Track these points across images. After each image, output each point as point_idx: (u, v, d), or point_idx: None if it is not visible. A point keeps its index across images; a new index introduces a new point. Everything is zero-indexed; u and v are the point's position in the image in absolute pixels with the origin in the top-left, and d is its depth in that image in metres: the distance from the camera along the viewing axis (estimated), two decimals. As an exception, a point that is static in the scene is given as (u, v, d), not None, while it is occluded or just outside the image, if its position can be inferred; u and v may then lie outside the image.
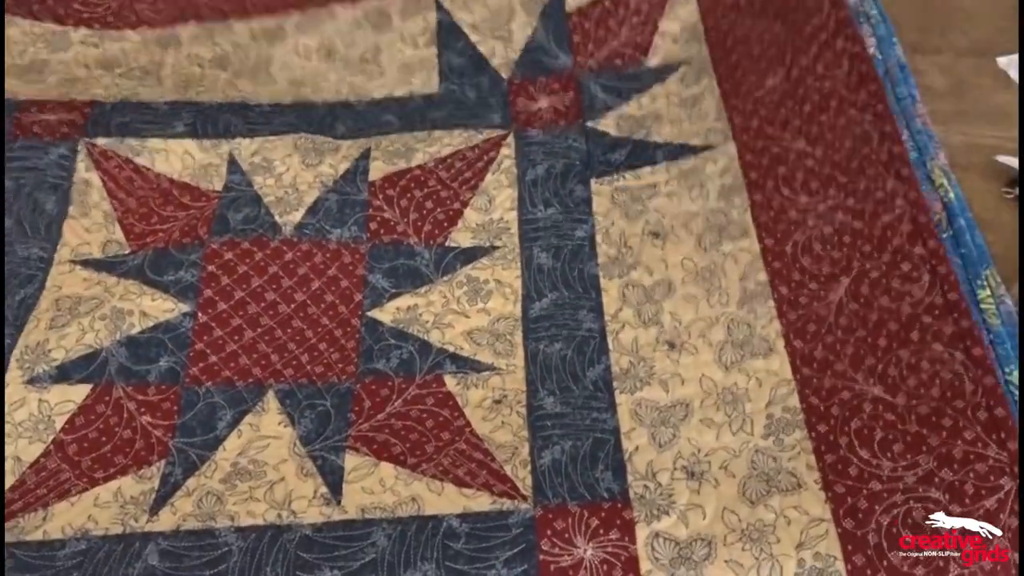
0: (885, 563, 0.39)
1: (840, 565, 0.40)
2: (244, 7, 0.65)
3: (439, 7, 0.64)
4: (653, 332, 0.49)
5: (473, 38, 0.63)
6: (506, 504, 0.42)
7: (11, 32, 0.62)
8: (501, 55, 0.62)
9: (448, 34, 0.63)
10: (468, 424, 0.46)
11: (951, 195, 0.57)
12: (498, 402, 0.47)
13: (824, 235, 0.49)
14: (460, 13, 0.64)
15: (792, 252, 0.49)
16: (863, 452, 0.42)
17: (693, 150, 0.55)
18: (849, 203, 0.49)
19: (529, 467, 0.44)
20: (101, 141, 0.56)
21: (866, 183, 0.49)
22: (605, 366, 0.47)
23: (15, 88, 0.60)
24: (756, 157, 0.53)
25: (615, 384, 0.47)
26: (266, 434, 0.46)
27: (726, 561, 0.40)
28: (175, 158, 0.56)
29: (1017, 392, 0.47)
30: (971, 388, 0.42)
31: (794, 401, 0.45)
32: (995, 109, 0.63)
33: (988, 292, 0.52)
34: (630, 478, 0.43)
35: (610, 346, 0.48)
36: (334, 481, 0.44)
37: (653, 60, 0.61)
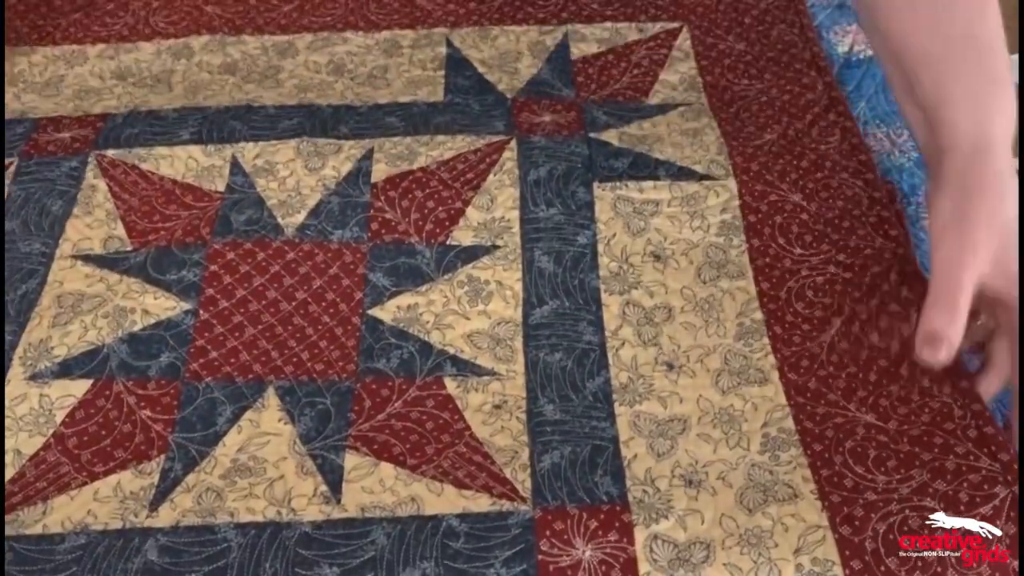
0: (883, 568, 0.40)
1: (838, 570, 0.40)
2: (257, 24, 0.68)
3: (449, 44, 0.66)
4: (652, 352, 0.49)
5: (480, 69, 0.65)
6: (505, 505, 0.43)
7: (33, 58, 0.66)
8: (507, 83, 0.64)
9: (456, 63, 0.65)
10: (468, 427, 0.46)
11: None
12: (498, 407, 0.47)
13: (816, 284, 0.51)
14: (469, 51, 0.66)
15: (786, 297, 0.51)
16: (858, 468, 0.43)
17: (695, 175, 0.56)
18: (840, 258, 0.52)
19: (529, 470, 0.44)
20: (111, 152, 0.57)
21: (856, 241, 0.52)
22: (605, 379, 0.48)
23: (33, 104, 0.62)
24: (755, 201, 0.55)
25: (614, 396, 0.47)
26: (266, 431, 0.46)
27: (724, 564, 0.40)
28: (179, 163, 0.57)
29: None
30: (959, 413, 0.44)
31: (789, 424, 0.46)
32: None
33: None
34: (629, 483, 0.44)
35: (610, 361, 0.49)
36: (334, 480, 0.44)
37: (654, 100, 0.63)
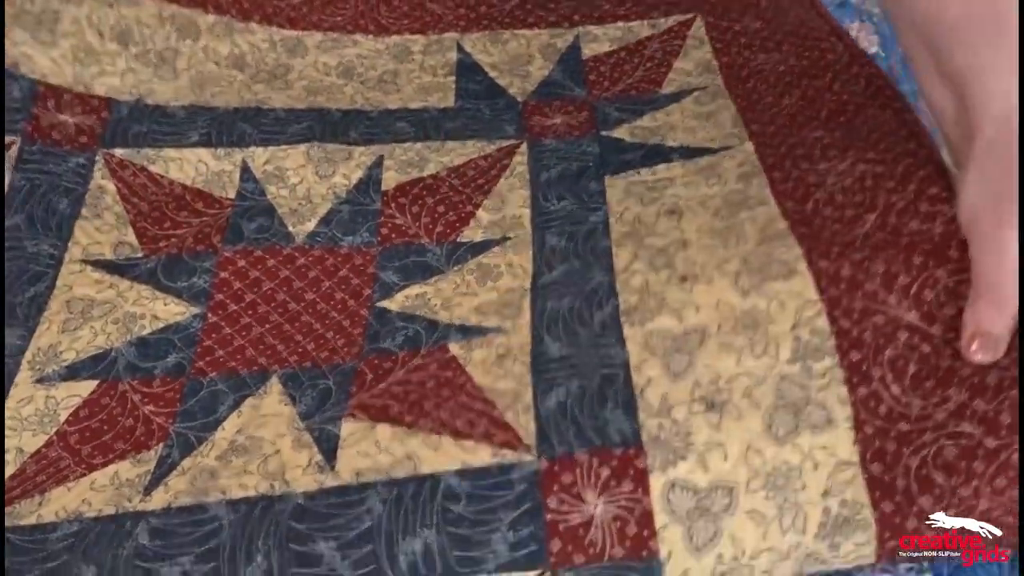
0: (915, 508, 0.36)
1: (868, 512, 0.36)
2: (266, 13, 0.66)
3: (460, 48, 0.66)
4: (664, 274, 0.46)
5: (492, 74, 0.64)
6: (508, 456, 0.39)
7: None
8: (518, 87, 0.63)
9: (467, 69, 0.65)
10: (469, 379, 0.43)
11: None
12: (502, 356, 0.44)
13: (845, 186, 0.46)
14: (480, 55, 0.66)
15: (813, 207, 0.47)
16: (894, 388, 0.38)
17: (710, 151, 0.54)
18: (869, 155, 0.47)
19: (532, 412, 0.41)
20: (119, 152, 0.57)
21: (885, 144, 0.48)
22: (613, 306, 0.44)
23: (27, 51, 0.57)
24: (774, 149, 0.52)
25: (623, 319, 0.43)
26: (266, 413, 0.44)
27: (747, 512, 0.37)
28: (189, 166, 0.57)
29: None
30: None
31: (822, 323, 0.40)
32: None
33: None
34: (642, 415, 0.39)
35: (618, 289, 0.45)
36: (329, 448, 0.42)
37: (667, 89, 0.61)
